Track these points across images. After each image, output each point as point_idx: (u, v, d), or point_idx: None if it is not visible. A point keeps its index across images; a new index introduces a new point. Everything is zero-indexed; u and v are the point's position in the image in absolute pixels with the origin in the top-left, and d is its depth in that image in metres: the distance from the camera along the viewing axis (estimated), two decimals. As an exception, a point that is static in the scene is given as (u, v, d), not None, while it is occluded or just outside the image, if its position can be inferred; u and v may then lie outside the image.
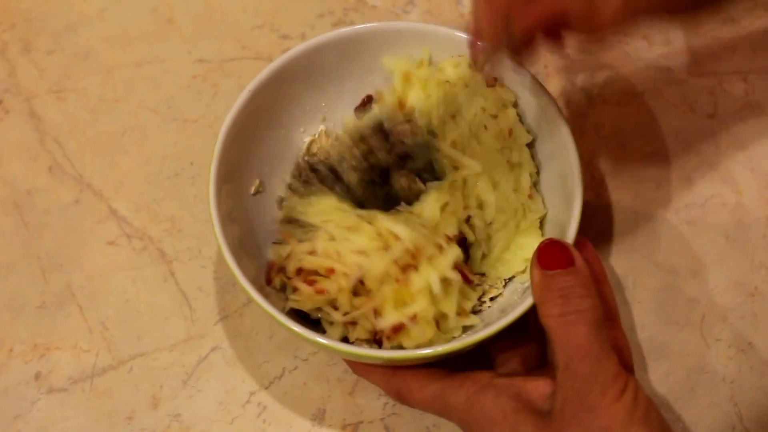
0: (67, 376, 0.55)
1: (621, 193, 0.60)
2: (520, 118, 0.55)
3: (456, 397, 0.45)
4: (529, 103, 0.54)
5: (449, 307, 0.49)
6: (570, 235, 0.48)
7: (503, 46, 0.46)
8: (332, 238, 0.50)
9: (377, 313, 0.48)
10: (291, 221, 0.52)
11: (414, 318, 0.48)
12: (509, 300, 0.52)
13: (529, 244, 0.52)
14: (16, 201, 0.61)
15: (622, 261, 0.58)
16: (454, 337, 0.50)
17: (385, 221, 0.49)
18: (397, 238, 0.49)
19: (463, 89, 0.54)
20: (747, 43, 0.66)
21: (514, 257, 0.53)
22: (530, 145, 0.55)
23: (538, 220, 0.53)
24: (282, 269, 0.51)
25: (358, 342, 0.50)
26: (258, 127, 0.55)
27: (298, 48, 0.55)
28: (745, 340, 0.55)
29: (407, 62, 0.56)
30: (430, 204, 0.51)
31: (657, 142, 0.62)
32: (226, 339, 0.56)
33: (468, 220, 0.52)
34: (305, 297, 0.49)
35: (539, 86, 0.53)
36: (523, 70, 0.54)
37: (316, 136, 0.58)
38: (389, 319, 0.48)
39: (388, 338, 0.48)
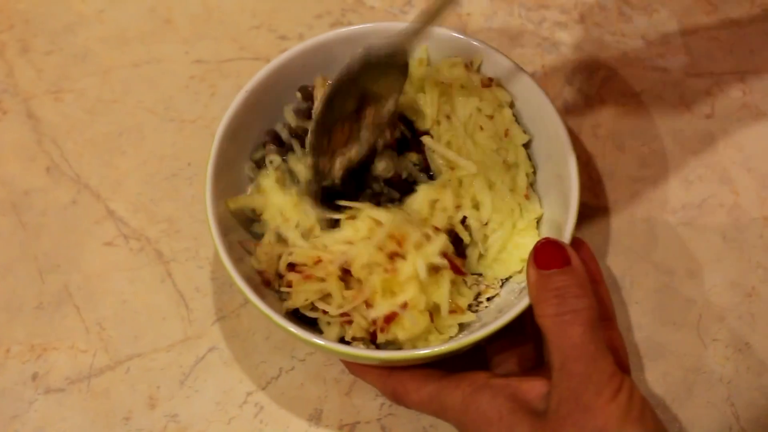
0: (65, 377, 0.55)
1: (618, 194, 0.60)
2: (517, 119, 0.55)
3: (452, 397, 0.45)
4: (525, 103, 0.54)
5: (440, 296, 0.49)
6: (566, 235, 0.48)
7: None
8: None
9: (368, 304, 0.48)
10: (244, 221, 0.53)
11: (405, 306, 0.48)
12: (506, 300, 0.52)
13: (525, 245, 0.52)
14: (13, 201, 0.61)
15: (620, 261, 0.58)
16: (450, 337, 0.50)
17: (368, 210, 0.50)
18: (379, 224, 0.49)
19: (458, 90, 0.54)
20: (745, 44, 0.66)
21: (511, 257, 0.53)
22: (527, 146, 0.55)
23: (535, 221, 0.53)
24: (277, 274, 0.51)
25: (354, 342, 0.50)
26: (255, 127, 0.55)
27: (294, 48, 0.55)
28: (743, 340, 0.55)
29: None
30: (419, 199, 0.51)
31: (654, 142, 0.62)
32: (223, 339, 0.56)
33: (464, 220, 0.52)
34: (296, 287, 0.49)
35: (536, 86, 0.53)
36: (520, 69, 0.54)
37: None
38: (380, 309, 0.48)
39: (382, 330, 0.48)
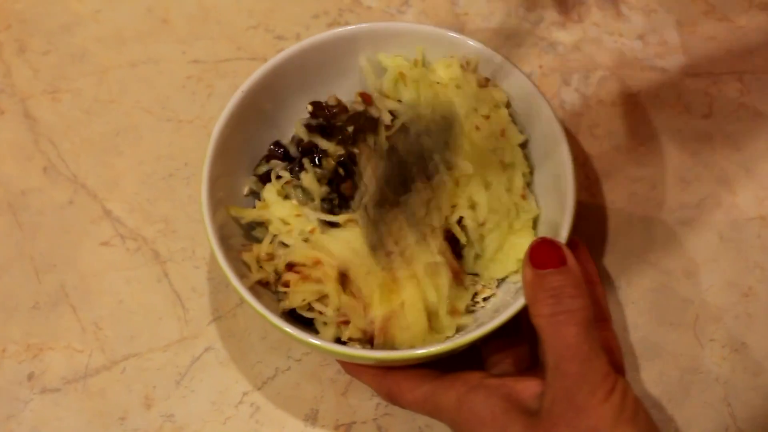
0: (60, 377, 0.55)
1: (615, 194, 0.60)
2: (513, 119, 0.55)
3: (446, 397, 0.45)
4: (522, 103, 0.54)
5: (439, 296, 0.49)
6: (563, 235, 0.48)
7: None
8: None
9: (366, 306, 0.48)
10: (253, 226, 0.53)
11: (402, 305, 0.48)
12: (502, 300, 0.52)
13: (522, 245, 0.52)
14: (10, 201, 0.61)
15: (616, 261, 0.58)
16: (447, 337, 0.50)
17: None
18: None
19: (454, 90, 0.54)
20: (742, 44, 0.66)
21: (507, 257, 0.52)
22: (523, 146, 0.55)
23: (532, 221, 0.53)
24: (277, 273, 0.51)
25: (350, 342, 0.50)
26: (251, 127, 0.55)
27: (291, 48, 0.55)
28: (739, 340, 0.55)
29: (402, 61, 0.56)
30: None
31: (652, 142, 0.62)
32: (219, 339, 0.56)
33: (460, 221, 0.52)
34: (293, 286, 0.49)
35: (532, 86, 0.53)
36: (517, 69, 0.54)
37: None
38: (378, 309, 0.48)
39: (381, 330, 0.48)
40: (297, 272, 0.50)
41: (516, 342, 0.50)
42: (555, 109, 0.53)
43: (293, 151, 0.55)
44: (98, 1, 0.69)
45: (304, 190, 0.53)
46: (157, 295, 0.57)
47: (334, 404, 0.54)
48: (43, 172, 0.62)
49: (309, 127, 0.55)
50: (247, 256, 0.51)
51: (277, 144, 0.55)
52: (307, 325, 0.51)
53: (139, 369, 0.55)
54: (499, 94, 0.54)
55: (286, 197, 0.53)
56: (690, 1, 0.68)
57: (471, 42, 0.55)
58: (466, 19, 0.68)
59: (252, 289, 0.49)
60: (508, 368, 0.49)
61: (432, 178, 0.51)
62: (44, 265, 0.58)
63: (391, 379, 0.48)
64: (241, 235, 0.53)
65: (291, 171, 0.54)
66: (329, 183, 0.53)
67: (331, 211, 0.52)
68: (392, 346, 0.49)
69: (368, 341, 0.49)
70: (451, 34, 0.55)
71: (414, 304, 0.48)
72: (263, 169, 0.55)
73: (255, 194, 0.55)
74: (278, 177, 0.53)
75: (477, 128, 0.53)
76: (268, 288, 0.51)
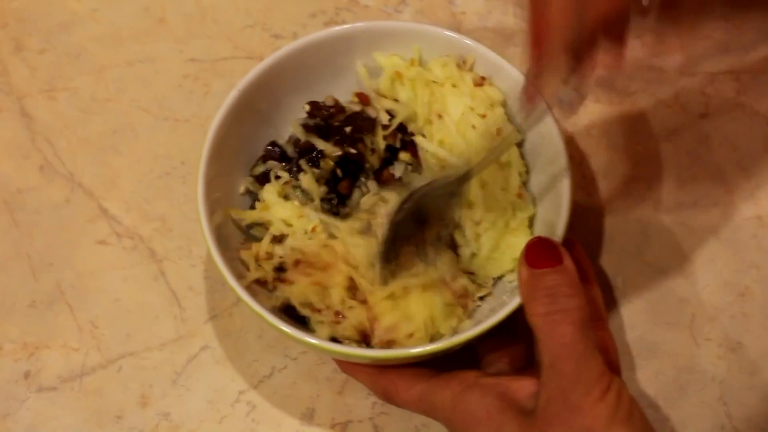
0: (57, 375, 0.55)
1: (612, 193, 0.60)
2: (509, 118, 0.55)
3: (441, 396, 0.45)
4: (518, 102, 0.54)
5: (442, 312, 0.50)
6: (559, 235, 0.48)
7: (566, 49, 0.43)
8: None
9: (371, 314, 0.49)
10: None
11: (407, 317, 0.49)
12: (498, 299, 0.52)
13: (518, 244, 0.52)
14: (6, 200, 0.61)
15: (613, 261, 0.58)
16: (443, 336, 0.50)
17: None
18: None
19: (450, 89, 0.54)
20: (740, 44, 0.66)
21: (504, 256, 0.52)
22: (519, 145, 0.55)
23: (528, 220, 0.53)
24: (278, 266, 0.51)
25: (346, 341, 0.50)
26: (247, 126, 0.55)
27: (288, 47, 0.55)
28: (735, 339, 0.55)
29: (398, 60, 0.56)
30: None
31: (648, 141, 0.62)
32: (215, 338, 0.56)
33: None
34: (301, 287, 0.50)
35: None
36: (513, 68, 0.54)
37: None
38: (384, 320, 0.49)
39: (384, 341, 0.49)
40: (306, 273, 0.50)
41: (512, 341, 0.50)
42: (551, 108, 0.52)
43: (290, 151, 0.55)
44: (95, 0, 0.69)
45: (304, 191, 0.53)
46: (153, 293, 0.57)
47: (330, 403, 0.54)
48: (40, 171, 0.62)
49: (306, 127, 0.55)
50: (245, 254, 0.51)
51: (274, 144, 0.55)
52: (303, 324, 0.51)
53: (135, 367, 0.55)
54: (496, 93, 0.54)
55: (286, 198, 0.53)
56: (687, 0, 0.68)
57: (467, 41, 0.55)
58: (463, 18, 0.68)
59: (249, 288, 0.49)
60: (503, 367, 0.49)
61: (443, 231, 0.52)
62: (41, 264, 0.58)
63: (386, 377, 0.48)
64: (238, 234, 0.53)
65: (289, 171, 0.54)
66: (327, 183, 0.53)
67: (331, 211, 0.53)
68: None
69: (364, 340, 0.50)
70: (448, 33, 0.55)
71: (419, 315, 0.49)
72: (260, 169, 0.55)
73: (251, 194, 0.55)
74: (277, 177, 0.54)
75: (473, 127, 0.53)
76: (264, 287, 0.51)
